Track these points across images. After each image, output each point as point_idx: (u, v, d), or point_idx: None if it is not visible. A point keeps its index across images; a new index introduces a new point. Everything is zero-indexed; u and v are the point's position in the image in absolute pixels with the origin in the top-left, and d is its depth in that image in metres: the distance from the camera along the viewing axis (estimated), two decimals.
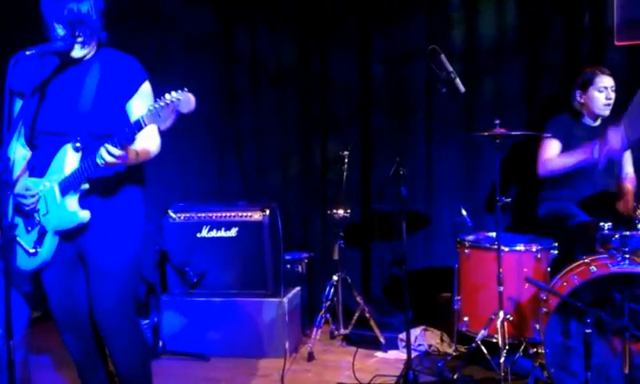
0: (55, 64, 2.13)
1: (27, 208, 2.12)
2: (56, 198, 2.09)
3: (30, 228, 2.16)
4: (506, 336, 2.90)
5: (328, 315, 3.61)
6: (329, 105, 4.13)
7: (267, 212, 3.47)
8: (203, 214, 3.52)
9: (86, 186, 2.08)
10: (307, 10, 4.06)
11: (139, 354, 2.26)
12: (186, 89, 1.89)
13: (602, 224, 2.76)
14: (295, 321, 3.58)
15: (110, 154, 1.94)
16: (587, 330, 2.39)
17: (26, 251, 2.15)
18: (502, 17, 3.84)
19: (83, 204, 2.11)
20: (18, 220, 2.18)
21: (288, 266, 3.69)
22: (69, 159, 2.07)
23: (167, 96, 1.88)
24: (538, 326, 2.91)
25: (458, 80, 2.84)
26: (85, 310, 2.24)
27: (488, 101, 3.86)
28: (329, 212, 3.69)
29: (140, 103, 2.14)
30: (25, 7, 3.64)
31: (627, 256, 2.62)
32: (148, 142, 2.12)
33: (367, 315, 3.53)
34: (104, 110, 2.11)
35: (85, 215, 2.09)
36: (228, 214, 3.50)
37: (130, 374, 2.23)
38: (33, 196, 2.11)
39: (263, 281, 3.44)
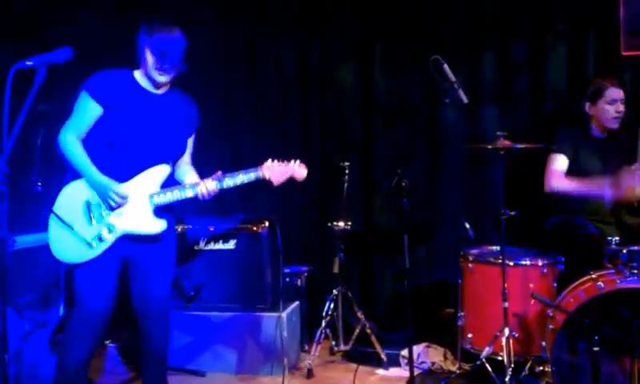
0: (140, 90, 2.44)
1: (113, 206, 2.36)
2: (140, 205, 2.40)
3: (94, 222, 2.37)
4: (512, 354, 2.84)
5: (328, 331, 3.53)
6: (329, 116, 4.09)
7: (266, 224, 3.42)
8: (201, 226, 3.46)
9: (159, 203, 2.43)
10: (309, 22, 4.07)
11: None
12: (299, 162, 2.53)
13: (609, 238, 2.69)
14: (294, 336, 3.51)
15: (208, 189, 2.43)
16: (595, 348, 2.32)
17: (84, 241, 2.33)
18: (506, 28, 3.81)
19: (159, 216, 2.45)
20: (84, 210, 2.37)
21: (287, 279, 3.64)
22: (163, 177, 2.44)
23: (290, 162, 2.51)
24: (544, 344, 2.84)
25: (460, 91, 2.80)
26: (109, 313, 2.42)
27: (492, 111, 3.81)
28: (329, 224, 3.63)
29: (192, 141, 2.63)
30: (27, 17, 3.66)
31: (635, 271, 2.56)
32: None
33: (368, 331, 3.46)
34: (181, 140, 2.53)
35: (164, 225, 2.44)
36: (227, 226, 3.45)
37: (164, 357, 2.62)
38: (124, 198, 2.36)
39: (262, 295, 3.38)
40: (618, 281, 2.55)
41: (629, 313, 2.43)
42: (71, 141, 2.36)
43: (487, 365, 2.92)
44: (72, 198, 2.37)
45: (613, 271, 2.64)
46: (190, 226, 3.48)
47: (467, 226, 3.29)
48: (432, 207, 3.92)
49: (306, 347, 3.60)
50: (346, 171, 3.61)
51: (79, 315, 2.40)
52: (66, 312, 3.30)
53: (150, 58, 2.36)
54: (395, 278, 3.96)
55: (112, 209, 2.37)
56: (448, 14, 3.89)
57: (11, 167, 2.10)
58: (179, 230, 3.48)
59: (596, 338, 2.33)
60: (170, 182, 2.49)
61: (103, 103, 2.36)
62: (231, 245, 3.42)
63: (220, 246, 3.43)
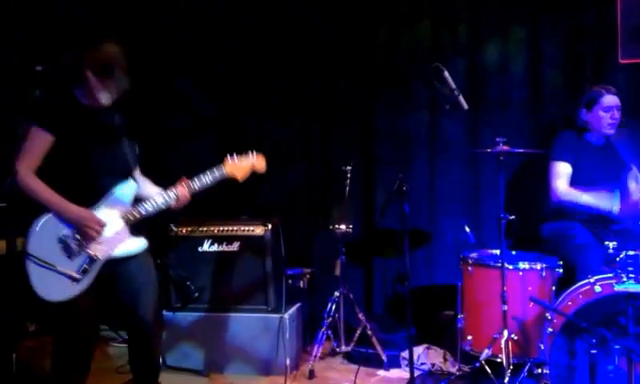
0: (85, 110, 2.36)
1: (95, 236, 2.31)
2: (117, 228, 2.36)
3: (74, 256, 2.31)
4: (511, 356, 2.88)
5: (329, 332, 3.57)
6: (332, 120, 4.13)
7: (269, 227, 3.46)
8: (205, 228, 3.50)
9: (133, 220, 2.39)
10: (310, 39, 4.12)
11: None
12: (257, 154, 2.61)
13: (606, 243, 2.73)
14: (296, 337, 3.55)
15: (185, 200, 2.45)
16: (593, 351, 2.36)
17: (69, 277, 2.27)
18: (505, 35, 3.85)
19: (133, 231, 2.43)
20: (61, 245, 2.29)
21: (289, 281, 3.67)
22: (129, 194, 2.41)
23: (249, 154, 2.61)
24: (542, 346, 2.88)
25: (461, 97, 2.84)
26: (96, 332, 2.52)
27: (491, 118, 3.86)
28: (331, 227, 3.67)
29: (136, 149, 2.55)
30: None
31: (632, 275, 2.60)
32: None
33: (369, 332, 3.50)
34: (132, 151, 2.46)
35: (144, 241, 2.42)
36: (230, 229, 3.48)
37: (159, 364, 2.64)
38: (103, 226, 2.32)
39: (264, 296, 3.42)
40: (615, 284, 2.59)
41: (625, 316, 2.47)
42: (31, 176, 2.27)
43: (486, 366, 2.95)
44: (45, 236, 2.26)
45: (610, 275, 2.69)
46: (195, 228, 3.52)
47: (467, 229, 3.33)
48: (433, 211, 3.97)
49: (308, 348, 3.63)
50: (348, 175, 3.64)
51: (69, 344, 2.36)
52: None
53: (92, 78, 2.30)
54: (396, 281, 3.99)
55: (91, 239, 2.30)
56: (447, 17, 3.93)
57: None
58: (183, 232, 3.52)
59: (593, 340, 2.37)
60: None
61: (53, 132, 2.28)
62: (235, 247, 3.46)
63: (224, 247, 3.47)
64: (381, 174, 4.02)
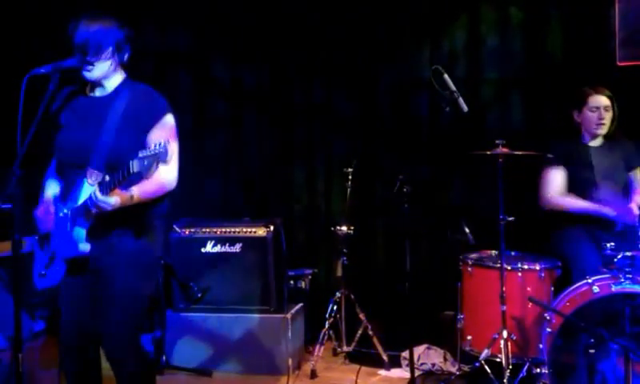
0: (80, 99, 2.22)
1: (43, 231, 2.21)
2: (67, 226, 2.12)
3: (45, 250, 2.23)
4: (510, 356, 2.90)
5: (331, 332, 3.60)
6: (333, 121, 4.16)
7: (271, 228, 3.49)
8: (208, 229, 3.54)
9: (91, 218, 2.08)
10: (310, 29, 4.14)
11: (143, 380, 2.27)
12: (168, 141, 1.94)
13: (604, 244, 2.76)
14: (298, 337, 3.58)
15: (97, 200, 1.99)
16: (591, 351, 2.39)
17: (38, 271, 2.23)
18: (504, 37, 3.89)
19: (94, 234, 2.11)
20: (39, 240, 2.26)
21: (291, 282, 3.71)
22: (85, 191, 2.08)
23: (152, 146, 1.93)
24: (541, 346, 2.90)
25: (461, 99, 2.87)
26: (92, 335, 2.22)
27: (491, 119, 3.89)
28: (332, 229, 3.70)
29: (159, 135, 2.12)
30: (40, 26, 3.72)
31: (630, 276, 2.62)
32: (147, 185, 2.09)
33: (370, 332, 3.53)
34: (124, 143, 2.10)
35: (84, 247, 2.10)
36: (232, 230, 3.52)
37: None
38: (37, 220, 2.22)
39: (267, 297, 3.45)
40: (613, 285, 2.61)
41: (623, 316, 2.50)
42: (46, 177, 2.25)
43: (486, 366, 2.98)
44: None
45: (608, 276, 2.71)
46: (198, 229, 3.56)
47: (467, 230, 3.36)
48: (433, 212, 3.99)
49: (310, 348, 3.66)
50: (350, 177, 3.68)
51: (60, 338, 2.26)
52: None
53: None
54: (396, 281, 4.02)
55: (45, 235, 2.20)
56: (446, 18, 3.97)
57: (24, 170, 2.16)
58: (186, 232, 3.56)
59: (592, 340, 2.40)
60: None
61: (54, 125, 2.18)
62: (237, 248, 3.49)
63: (226, 248, 3.50)
64: (382, 175, 4.05)
